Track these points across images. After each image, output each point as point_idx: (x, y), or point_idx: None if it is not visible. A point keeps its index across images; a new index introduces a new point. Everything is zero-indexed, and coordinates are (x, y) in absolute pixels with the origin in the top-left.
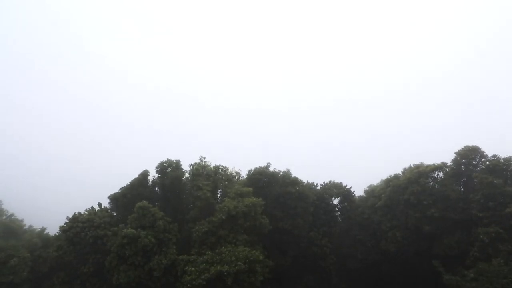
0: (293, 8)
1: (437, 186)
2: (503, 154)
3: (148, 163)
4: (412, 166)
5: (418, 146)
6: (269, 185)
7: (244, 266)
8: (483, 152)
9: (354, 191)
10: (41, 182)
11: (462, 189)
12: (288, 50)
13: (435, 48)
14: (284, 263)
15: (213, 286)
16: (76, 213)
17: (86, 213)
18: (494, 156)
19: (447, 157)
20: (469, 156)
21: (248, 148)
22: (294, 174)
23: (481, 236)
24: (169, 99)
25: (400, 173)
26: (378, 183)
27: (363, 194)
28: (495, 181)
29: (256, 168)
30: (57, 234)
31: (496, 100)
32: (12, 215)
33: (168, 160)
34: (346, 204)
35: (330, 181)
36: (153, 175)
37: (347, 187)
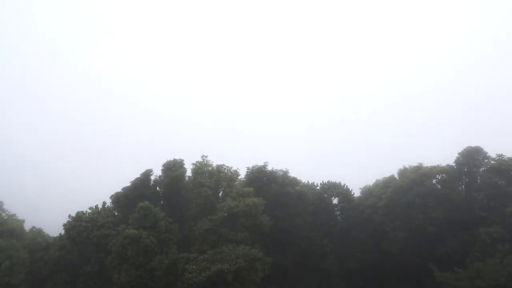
0: (290, 12)
1: (439, 187)
2: (506, 154)
3: (148, 165)
4: (408, 167)
5: (417, 146)
6: (269, 184)
7: (244, 264)
8: (486, 153)
9: (352, 189)
10: (40, 185)
11: (465, 189)
12: (286, 51)
13: (435, 48)
14: (284, 262)
15: (214, 284)
16: (79, 212)
17: (90, 211)
18: (499, 155)
19: (446, 157)
20: (471, 157)
21: (247, 148)
22: (292, 174)
23: (482, 236)
24: (168, 99)
25: (396, 174)
26: (373, 184)
27: (361, 194)
28: (499, 182)
29: (254, 166)
30: (60, 235)
31: (497, 100)
32: (14, 215)
33: (174, 159)
34: (345, 204)
35: (329, 181)
36: (155, 175)
37: (346, 187)
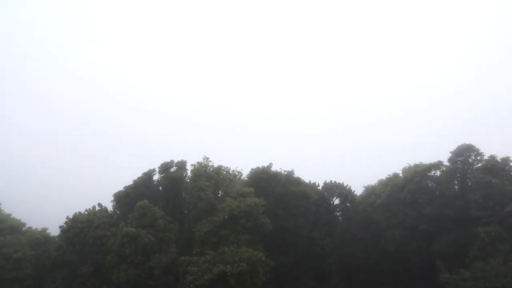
0: (290, 13)
1: (432, 184)
2: (501, 154)
3: (148, 165)
4: (411, 165)
5: (419, 146)
6: (271, 185)
7: (247, 266)
8: (478, 150)
9: (354, 191)
10: (40, 187)
11: (459, 187)
12: (287, 50)
13: (434, 47)
14: (285, 262)
15: (216, 286)
16: (76, 213)
17: (86, 212)
18: (491, 156)
19: (447, 157)
20: (464, 154)
21: (248, 148)
22: (296, 173)
23: (482, 235)
24: (168, 99)
25: (400, 172)
26: (376, 183)
27: (363, 193)
28: (493, 181)
29: (257, 167)
30: (58, 234)
31: (495, 100)
32: (10, 215)
33: (171, 161)
34: (347, 204)
35: (331, 181)
36: (157, 174)
37: (348, 187)
